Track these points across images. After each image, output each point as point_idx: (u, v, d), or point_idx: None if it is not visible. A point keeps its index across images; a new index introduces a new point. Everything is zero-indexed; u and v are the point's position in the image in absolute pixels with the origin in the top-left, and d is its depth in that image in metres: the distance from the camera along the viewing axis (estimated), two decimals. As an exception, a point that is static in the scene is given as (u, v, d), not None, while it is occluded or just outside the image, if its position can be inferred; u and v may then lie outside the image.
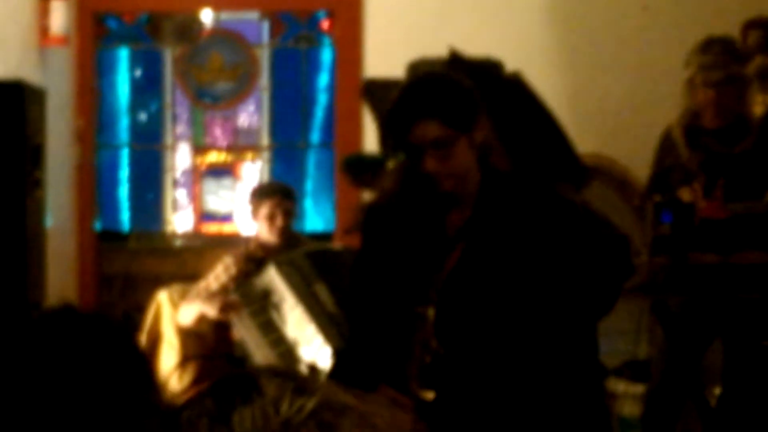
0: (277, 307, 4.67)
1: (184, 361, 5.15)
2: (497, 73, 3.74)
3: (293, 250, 4.90)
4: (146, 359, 1.95)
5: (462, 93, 2.90)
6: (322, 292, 4.54)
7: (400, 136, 2.87)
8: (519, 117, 3.55)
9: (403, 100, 2.89)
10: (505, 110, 3.42)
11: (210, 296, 5.00)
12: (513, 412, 2.90)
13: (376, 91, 2.91)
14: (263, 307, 4.71)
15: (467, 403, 2.90)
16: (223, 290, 4.99)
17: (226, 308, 4.85)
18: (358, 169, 4.59)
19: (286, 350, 4.62)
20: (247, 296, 4.76)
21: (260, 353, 4.68)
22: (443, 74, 3.15)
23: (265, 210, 5.14)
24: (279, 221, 5.12)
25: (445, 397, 2.90)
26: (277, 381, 0.82)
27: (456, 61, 3.25)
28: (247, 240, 5.52)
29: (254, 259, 5.05)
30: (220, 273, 5.09)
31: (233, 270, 5.07)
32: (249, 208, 5.27)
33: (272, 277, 4.65)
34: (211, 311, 4.94)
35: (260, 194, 5.25)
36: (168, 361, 5.24)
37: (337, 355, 3.60)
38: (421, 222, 2.97)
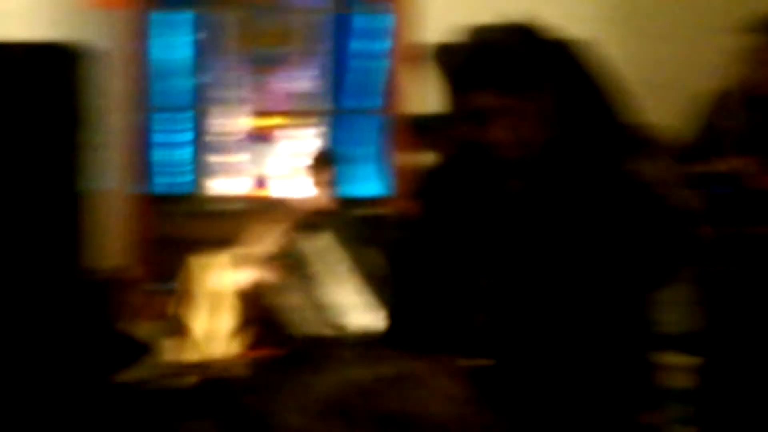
0: (329, 271, 4.69)
1: (244, 325, 5.18)
2: (558, 41, 3.71)
3: (348, 215, 4.95)
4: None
5: (522, 61, 2.89)
6: (374, 257, 4.56)
7: (461, 103, 2.87)
8: (573, 84, 3.52)
9: (463, 69, 2.89)
10: (563, 78, 3.39)
11: (265, 260, 5.03)
12: (561, 380, 2.90)
13: (444, 55, 2.90)
14: (315, 271, 4.72)
15: (519, 370, 2.90)
16: (278, 253, 5.02)
17: (279, 271, 4.89)
18: (424, 129, 4.59)
19: (335, 315, 4.63)
20: (300, 259, 4.78)
21: (310, 317, 4.69)
22: (504, 42, 3.13)
23: (326, 176, 5.22)
24: (338, 188, 5.23)
25: (497, 364, 2.90)
26: (352, 350, 0.81)
27: (517, 28, 3.22)
28: (299, 204, 5.54)
29: (309, 223, 5.08)
30: (275, 236, 5.11)
31: (288, 233, 5.10)
32: (309, 173, 5.32)
33: (326, 242, 4.67)
34: (266, 275, 4.97)
35: (323, 160, 5.33)
36: (199, 325, 5.25)
37: (389, 321, 3.60)
38: (479, 188, 2.97)
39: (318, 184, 5.30)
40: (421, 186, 3.20)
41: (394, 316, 3.44)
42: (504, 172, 2.93)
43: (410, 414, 0.76)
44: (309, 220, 5.13)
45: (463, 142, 2.98)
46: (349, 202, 5.44)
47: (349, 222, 4.84)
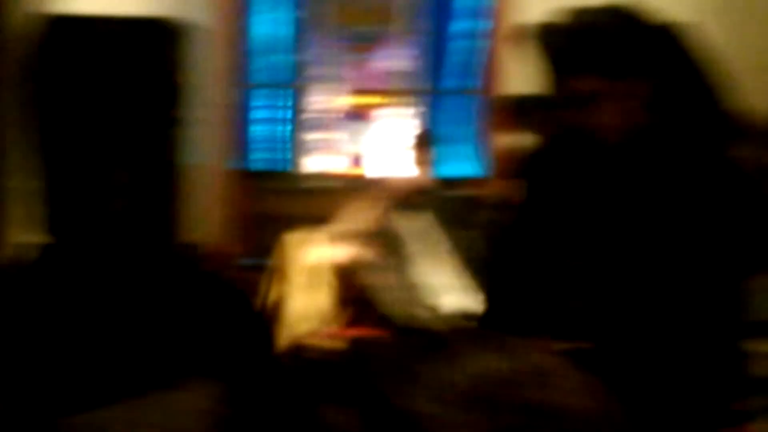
0: (425, 251, 4.69)
1: (339, 303, 5.20)
2: (660, 25, 3.68)
3: (447, 196, 4.96)
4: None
5: (625, 45, 2.88)
6: (471, 238, 4.55)
7: (562, 87, 2.86)
8: (675, 69, 3.48)
9: (566, 52, 2.88)
10: (665, 62, 3.37)
11: (361, 237, 5.05)
12: (655, 367, 2.89)
13: (546, 37, 2.89)
14: (408, 248, 4.72)
15: (616, 354, 2.88)
16: (375, 232, 5.04)
17: (375, 250, 4.90)
18: (524, 110, 4.57)
19: (430, 296, 4.64)
20: (393, 235, 4.80)
21: (398, 295, 4.70)
22: (607, 26, 3.12)
23: (427, 155, 5.26)
24: (436, 168, 5.26)
25: (594, 346, 2.89)
26: (466, 339, 0.81)
27: (620, 11, 3.20)
28: (397, 183, 5.55)
29: (407, 202, 5.10)
30: (368, 209, 5.13)
31: (386, 212, 5.11)
32: (410, 151, 5.36)
33: (424, 222, 4.68)
34: (362, 252, 4.99)
35: (425, 140, 5.38)
36: (293, 303, 5.28)
37: (486, 303, 3.61)
38: (580, 173, 2.96)
39: (418, 163, 5.33)
40: (522, 167, 3.20)
41: (492, 298, 3.45)
42: (604, 156, 2.92)
43: (548, 405, 0.77)
44: (407, 199, 5.14)
45: (564, 125, 2.97)
46: (445, 183, 5.44)
47: (446, 202, 4.85)
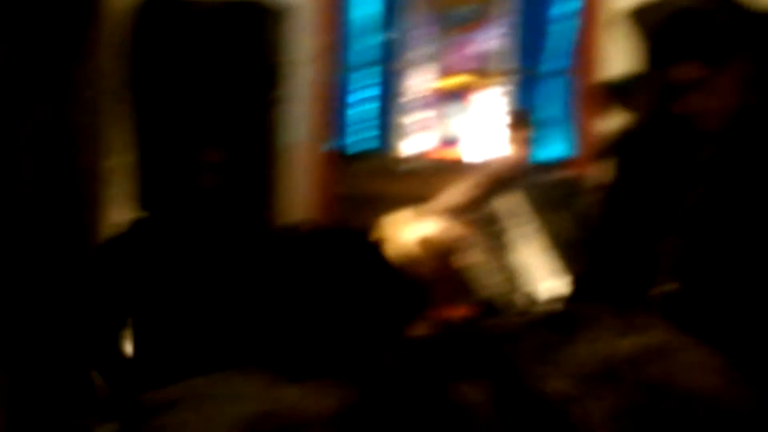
0: (517, 231, 4.67)
1: (432, 282, 5.20)
2: (754, 10, 3.63)
3: (540, 176, 4.93)
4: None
5: (722, 30, 2.83)
6: (564, 220, 4.51)
7: (661, 72, 2.84)
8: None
9: (665, 38, 2.85)
10: (761, 47, 3.32)
11: (452, 212, 5.05)
12: (745, 350, 2.84)
13: (643, 21, 2.87)
14: (503, 229, 4.71)
15: (707, 337, 2.86)
16: (467, 207, 5.04)
17: (468, 229, 4.89)
18: (620, 92, 4.54)
19: (519, 276, 4.62)
20: (489, 216, 4.78)
21: (492, 276, 4.69)
22: (703, 10, 3.08)
23: (523, 135, 5.23)
24: (532, 148, 5.24)
25: (684, 327, 2.87)
26: (603, 319, 0.82)
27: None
28: (491, 163, 5.55)
29: (501, 180, 5.08)
30: (465, 189, 5.13)
31: (479, 188, 5.10)
32: (507, 131, 5.35)
33: (517, 201, 4.65)
34: (452, 228, 4.98)
35: (521, 120, 5.35)
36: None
37: (576, 285, 3.60)
38: (672, 153, 2.94)
39: (514, 143, 5.31)
40: (617, 146, 3.18)
41: (581, 279, 3.44)
42: (700, 141, 2.90)
43: (676, 384, 0.77)
44: (504, 181, 5.12)
45: (660, 109, 2.95)
46: (539, 165, 5.42)
47: (539, 184, 4.82)
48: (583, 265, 3.53)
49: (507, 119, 5.45)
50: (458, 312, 5.10)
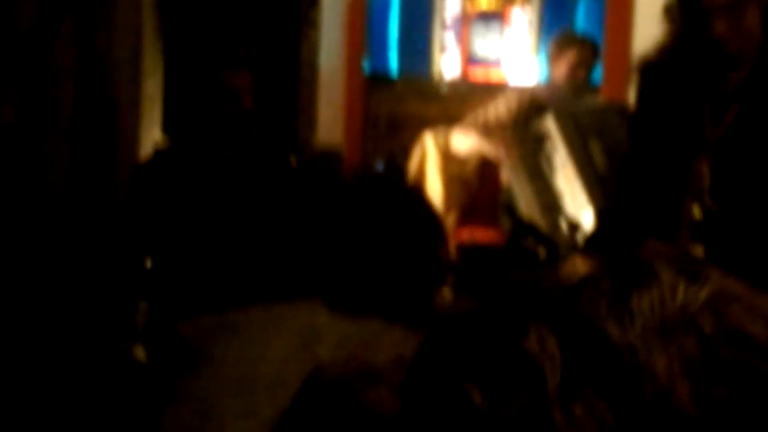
0: (549, 155, 4.59)
1: (447, 209, 5.19)
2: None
3: (578, 102, 4.82)
4: (437, 221, 2.05)
5: None
6: (597, 150, 4.39)
7: None
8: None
9: None
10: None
11: (486, 130, 4.98)
12: None
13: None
14: (536, 152, 4.63)
15: (737, 259, 2.87)
16: (501, 125, 4.97)
17: (500, 145, 4.83)
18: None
19: (551, 201, 4.57)
20: (522, 137, 4.71)
21: (525, 197, 4.64)
22: None
23: (568, 58, 5.11)
24: (579, 72, 5.10)
25: (714, 253, 2.88)
26: (672, 267, 0.81)
27: None
28: (527, 88, 5.47)
29: (537, 102, 4.99)
30: (500, 107, 5.07)
31: (514, 107, 5.04)
32: (550, 53, 5.23)
33: (550, 125, 4.57)
34: (485, 147, 4.94)
35: (565, 42, 5.21)
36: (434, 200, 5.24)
37: (603, 213, 3.57)
38: (700, 79, 2.94)
39: (558, 65, 5.17)
40: (645, 71, 3.15)
41: (611, 206, 3.43)
42: (730, 65, 2.89)
43: (730, 332, 0.75)
44: (540, 98, 5.03)
45: (691, 33, 2.93)
46: (580, 88, 5.27)
47: (578, 110, 4.71)
48: (611, 198, 3.52)
49: (556, 42, 5.31)
50: (488, 235, 5.10)
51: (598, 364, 0.74)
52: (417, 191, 2.11)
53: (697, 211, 2.90)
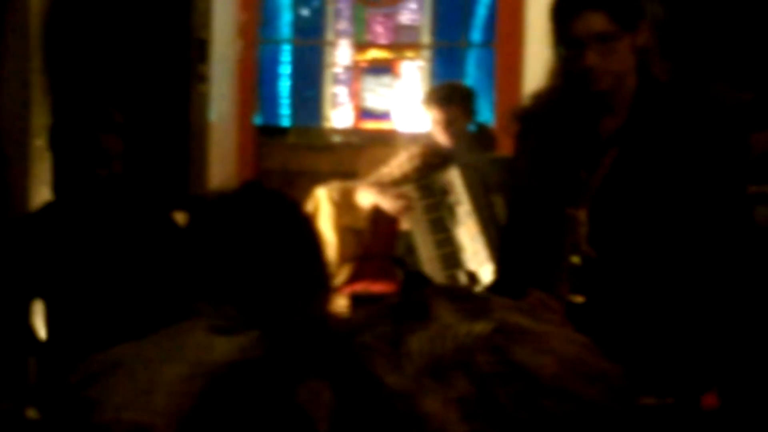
0: (451, 208, 4.59)
1: (341, 261, 5.15)
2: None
3: (480, 154, 4.79)
4: (315, 235, 2.04)
5: None
6: (500, 204, 4.36)
7: (563, 26, 2.85)
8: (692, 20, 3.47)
9: None
10: (674, 14, 3.34)
11: (388, 185, 4.96)
12: (660, 319, 2.87)
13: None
14: (438, 205, 4.63)
15: (616, 307, 2.88)
16: (403, 179, 4.94)
17: (401, 198, 4.80)
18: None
19: (451, 252, 4.56)
20: (425, 189, 4.70)
21: (425, 250, 4.62)
22: None
23: (433, 117, 5.03)
24: (450, 129, 4.99)
25: (594, 301, 2.89)
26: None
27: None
28: (415, 139, 5.44)
29: (439, 154, 4.97)
30: (403, 162, 5.05)
31: (416, 161, 5.02)
32: (433, 108, 5.13)
33: (453, 178, 4.58)
34: (386, 202, 4.91)
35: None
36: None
37: (497, 268, 3.55)
38: (575, 123, 2.96)
39: (436, 122, 5.09)
40: (521, 118, 3.16)
41: (500, 261, 3.43)
42: (598, 104, 2.92)
43: (513, 369, 0.74)
44: (441, 150, 5.01)
45: (559, 75, 2.96)
46: (473, 139, 5.21)
47: (481, 162, 4.67)
48: (501, 247, 3.54)
49: (429, 94, 5.25)
50: (381, 287, 5.08)
51: (371, 411, 0.72)
52: (287, 197, 2.09)
53: (576, 259, 2.90)
